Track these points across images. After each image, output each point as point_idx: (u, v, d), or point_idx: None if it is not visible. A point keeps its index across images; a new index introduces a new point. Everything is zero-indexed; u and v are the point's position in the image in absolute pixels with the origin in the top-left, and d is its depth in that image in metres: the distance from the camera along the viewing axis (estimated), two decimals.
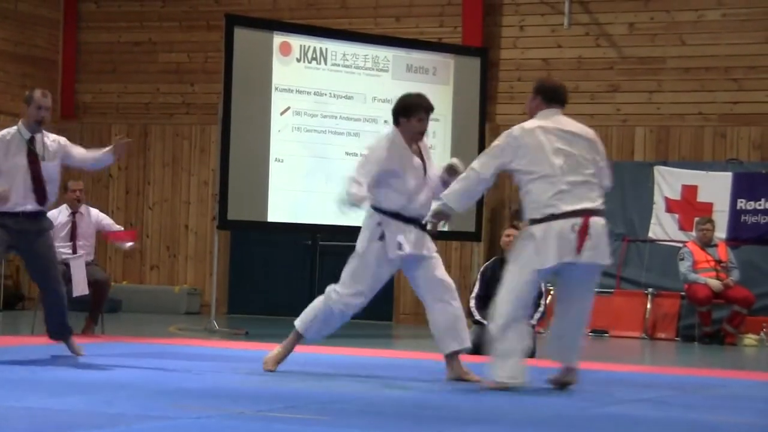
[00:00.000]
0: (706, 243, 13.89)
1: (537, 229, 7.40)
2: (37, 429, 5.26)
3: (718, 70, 15.06)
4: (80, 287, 11.23)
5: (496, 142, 7.63)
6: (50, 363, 8.46)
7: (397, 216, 7.96)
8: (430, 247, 8.07)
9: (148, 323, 13.65)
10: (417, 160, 8.02)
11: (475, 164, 7.61)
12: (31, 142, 8.63)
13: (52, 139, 8.76)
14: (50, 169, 8.68)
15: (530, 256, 7.40)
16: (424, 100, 8.09)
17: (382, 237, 7.93)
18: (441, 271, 8.07)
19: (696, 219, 14.19)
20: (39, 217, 8.69)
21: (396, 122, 8.07)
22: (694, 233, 14.13)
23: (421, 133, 8.08)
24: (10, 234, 8.54)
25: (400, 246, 7.91)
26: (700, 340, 13.58)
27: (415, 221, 7.99)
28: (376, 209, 7.95)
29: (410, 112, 8.03)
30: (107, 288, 11.71)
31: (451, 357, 8.03)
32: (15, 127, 8.71)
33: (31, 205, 8.58)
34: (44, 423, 5.33)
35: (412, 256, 7.94)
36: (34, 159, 8.60)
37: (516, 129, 7.57)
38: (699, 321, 13.63)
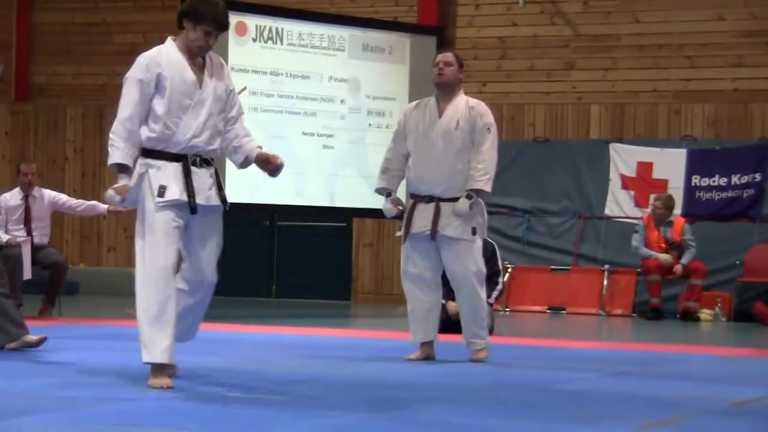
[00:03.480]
0: (661, 220, 13.93)
1: None
2: None
3: (672, 47, 15.13)
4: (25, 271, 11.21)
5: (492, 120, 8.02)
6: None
7: (158, 152, 6.26)
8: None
9: (106, 305, 13.57)
10: (190, 75, 6.24)
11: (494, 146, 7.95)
12: None
13: None
14: None
15: None
16: (221, 11, 6.26)
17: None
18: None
19: (653, 195, 14.26)
20: None
21: (180, 26, 6.29)
22: (649, 210, 14.21)
23: (202, 48, 6.26)
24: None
25: (160, 191, 6.29)
26: (643, 315, 13.70)
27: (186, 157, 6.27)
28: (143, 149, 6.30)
29: (198, 19, 6.21)
30: (64, 270, 11.65)
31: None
32: None
33: None
34: (1, 407, 5.29)
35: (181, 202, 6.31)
36: None
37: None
38: (648, 292, 13.69)
